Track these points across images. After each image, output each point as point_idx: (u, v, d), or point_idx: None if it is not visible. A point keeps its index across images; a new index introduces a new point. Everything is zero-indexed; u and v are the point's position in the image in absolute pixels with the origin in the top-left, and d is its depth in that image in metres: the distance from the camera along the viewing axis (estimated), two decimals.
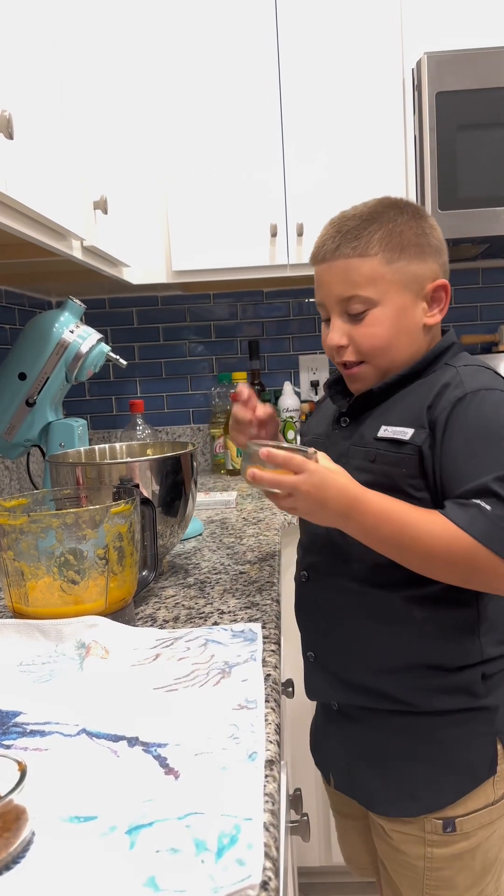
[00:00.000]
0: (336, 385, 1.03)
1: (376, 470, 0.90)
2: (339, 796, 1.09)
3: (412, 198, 1.88)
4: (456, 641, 0.92)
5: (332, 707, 1.03)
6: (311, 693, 1.06)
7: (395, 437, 0.89)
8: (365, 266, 0.90)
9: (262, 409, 1.00)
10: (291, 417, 2.11)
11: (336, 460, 0.93)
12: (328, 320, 0.96)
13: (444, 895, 0.97)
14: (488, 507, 0.81)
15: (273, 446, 0.84)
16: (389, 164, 1.87)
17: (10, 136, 0.92)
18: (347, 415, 0.99)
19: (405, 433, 0.89)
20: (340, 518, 0.84)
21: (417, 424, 0.88)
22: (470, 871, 0.96)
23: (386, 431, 0.91)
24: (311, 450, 0.85)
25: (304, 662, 1.05)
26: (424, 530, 0.82)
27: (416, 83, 1.83)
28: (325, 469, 0.83)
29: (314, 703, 1.12)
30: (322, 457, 0.85)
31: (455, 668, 0.92)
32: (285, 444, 0.87)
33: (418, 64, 1.80)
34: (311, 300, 2.32)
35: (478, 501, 0.81)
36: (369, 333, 0.92)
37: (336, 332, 0.94)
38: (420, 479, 0.88)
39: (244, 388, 0.99)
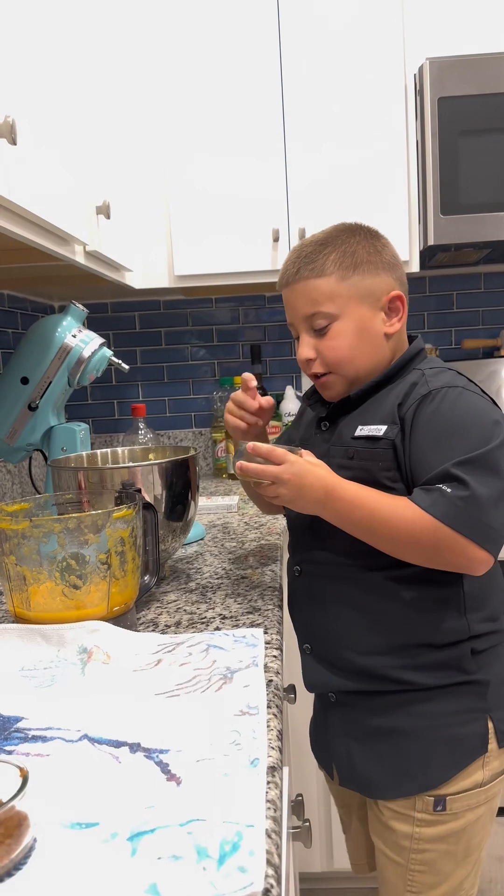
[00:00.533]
0: (314, 395, 1.11)
1: (355, 466, 0.98)
2: (343, 789, 1.12)
3: (414, 203, 1.89)
4: (442, 619, 0.97)
5: (331, 699, 1.06)
6: (309, 686, 1.08)
7: (371, 434, 0.97)
8: (323, 285, 0.99)
9: (265, 399, 1.09)
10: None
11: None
12: (299, 338, 1.04)
13: (427, 879, 1.01)
14: (449, 490, 0.88)
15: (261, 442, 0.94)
16: (391, 170, 1.87)
17: (14, 142, 0.92)
18: (327, 419, 1.06)
19: (379, 430, 0.96)
20: (318, 504, 0.93)
21: (390, 421, 0.96)
22: (453, 857, 1.00)
23: (362, 430, 0.98)
24: (299, 449, 0.96)
25: (301, 655, 1.08)
26: (391, 514, 0.90)
27: (418, 88, 1.83)
28: (304, 461, 0.93)
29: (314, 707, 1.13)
30: (307, 453, 0.95)
31: (443, 644, 0.97)
32: (278, 445, 0.95)
33: (420, 69, 1.81)
34: None
35: (440, 486, 0.89)
36: (333, 346, 1.00)
37: (304, 347, 1.02)
38: (395, 471, 0.95)
39: (251, 377, 1.08)
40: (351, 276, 0.99)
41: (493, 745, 0.99)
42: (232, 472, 2.12)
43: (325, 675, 1.04)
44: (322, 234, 1.03)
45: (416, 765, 0.98)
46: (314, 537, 1.03)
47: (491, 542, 0.89)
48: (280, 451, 0.92)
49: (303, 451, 0.95)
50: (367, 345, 1.00)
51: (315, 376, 1.04)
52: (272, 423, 2.04)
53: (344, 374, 1.02)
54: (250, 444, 0.93)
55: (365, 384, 1.01)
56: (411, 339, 1.06)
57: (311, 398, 1.12)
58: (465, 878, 1.02)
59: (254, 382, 1.08)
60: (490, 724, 0.99)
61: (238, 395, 1.09)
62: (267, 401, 1.09)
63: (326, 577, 1.03)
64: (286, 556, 1.53)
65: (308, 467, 0.92)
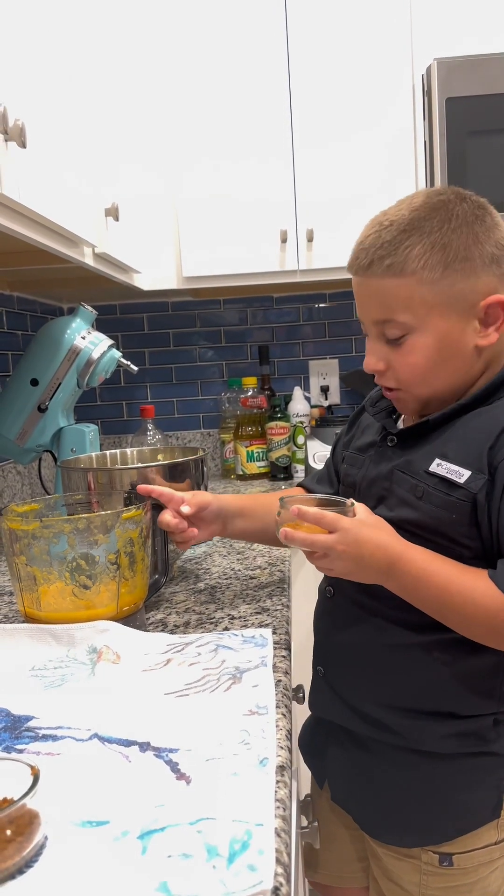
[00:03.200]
0: (381, 401, 0.94)
1: (423, 509, 0.82)
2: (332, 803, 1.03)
3: None
4: (474, 689, 0.86)
5: (333, 721, 0.98)
6: (314, 706, 1.03)
7: (449, 476, 0.80)
8: (401, 288, 0.80)
9: (190, 502, 0.95)
10: (301, 423, 2.11)
11: (374, 480, 0.90)
12: (367, 335, 0.88)
13: None
14: None
15: (305, 499, 0.80)
16: (400, 170, 1.87)
17: (24, 145, 0.93)
18: (396, 434, 0.90)
19: (460, 475, 0.80)
20: (379, 575, 0.80)
21: (475, 467, 0.79)
22: None
23: (440, 467, 0.81)
24: (350, 501, 0.81)
25: (313, 675, 1.01)
26: (468, 597, 0.77)
27: (426, 89, 1.83)
28: (360, 525, 0.78)
29: None
30: (360, 508, 0.80)
31: (468, 715, 0.87)
32: (320, 495, 0.84)
33: (428, 70, 1.80)
34: (321, 305, 2.32)
35: None
36: (408, 363, 0.82)
37: (372, 357, 0.86)
38: (471, 527, 0.80)
39: (145, 488, 0.95)
40: (439, 280, 0.78)
41: None
42: (240, 473, 2.12)
43: (332, 704, 0.96)
44: (409, 212, 0.81)
45: (416, 820, 0.89)
46: None
47: None
48: (331, 516, 0.76)
49: (356, 505, 0.80)
50: (451, 362, 0.82)
51: (385, 387, 0.89)
52: (280, 423, 2.04)
53: (416, 394, 0.85)
54: (295, 506, 0.78)
55: (448, 407, 0.84)
56: None
57: (377, 405, 0.95)
58: None
59: (154, 493, 0.95)
60: None
61: (160, 519, 0.95)
62: (195, 502, 0.96)
63: (357, 617, 0.91)
64: (294, 557, 1.53)
65: (366, 534, 0.77)
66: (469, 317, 0.81)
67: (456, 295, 0.79)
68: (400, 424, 0.94)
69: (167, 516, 0.95)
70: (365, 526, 0.78)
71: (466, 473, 0.80)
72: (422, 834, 0.90)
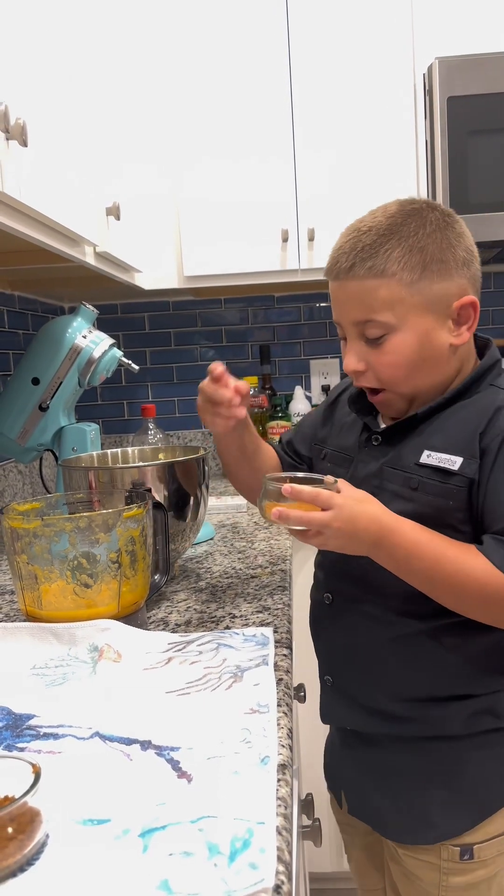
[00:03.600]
0: (361, 400, 0.96)
1: (419, 500, 0.85)
2: (349, 816, 1.04)
3: None
4: (487, 667, 0.88)
5: (347, 727, 0.99)
6: (325, 717, 1.02)
7: (442, 465, 0.84)
8: (381, 289, 0.83)
9: (240, 384, 0.91)
10: None
11: (364, 479, 0.91)
12: (345, 339, 0.90)
13: None
14: None
15: (290, 478, 0.81)
16: (401, 169, 1.87)
17: (25, 144, 0.93)
18: (380, 433, 0.92)
19: (453, 462, 0.83)
20: (371, 548, 0.81)
21: (468, 453, 0.83)
22: None
23: (430, 458, 0.85)
24: (330, 478, 0.81)
25: (321, 686, 1.01)
26: (459, 567, 0.79)
27: (427, 88, 1.83)
28: (352, 501, 0.80)
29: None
30: (343, 484, 0.82)
31: (482, 694, 0.89)
32: (300, 474, 0.85)
33: (429, 69, 1.80)
34: (322, 304, 2.32)
35: None
36: (388, 362, 0.86)
37: (352, 357, 0.88)
38: (467, 511, 0.83)
39: (217, 364, 0.90)
40: (417, 281, 0.83)
41: None
42: None
43: (345, 710, 0.97)
44: (385, 219, 0.85)
45: (437, 814, 0.90)
46: (351, 567, 0.91)
47: None
48: (326, 494, 0.78)
49: (339, 482, 0.81)
50: (429, 360, 0.86)
51: (368, 390, 0.92)
52: (281, 423, 2.04)
53: (400, 393, 0.88)
54: (287, 486, 0.78)
55: (433, 402, 0.87)
56: (478, 340, 0.92)
57: (357, 403, 0.96)
58: None
59: (221, 368, 0.89)
60: None
61: (206, 386, 0.90)
62: (243, 385, 0.91)
63: (361, 615, 0.92)
64: (296, 556, 1.53)
65: (359, 509, 0.79)
66: (444, 317, 0.85)
67: (433, 295, 0.84)
68: (380, 421, 0.96)
69: (222, 390, 0.89)
70: (357, 501, 0.80)
71: (459, 460, 0.83)
72: (442, 826, 0.90)
